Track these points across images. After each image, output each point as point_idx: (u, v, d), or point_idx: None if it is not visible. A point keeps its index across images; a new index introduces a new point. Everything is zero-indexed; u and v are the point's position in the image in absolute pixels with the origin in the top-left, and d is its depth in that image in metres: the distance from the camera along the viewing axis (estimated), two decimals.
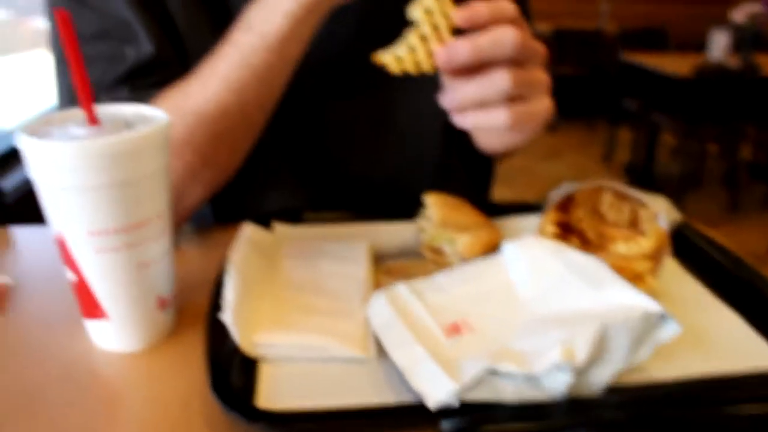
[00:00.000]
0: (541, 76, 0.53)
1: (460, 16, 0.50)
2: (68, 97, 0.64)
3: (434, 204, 0.62)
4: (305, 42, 0.60)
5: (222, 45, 0.60)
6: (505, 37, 0.49)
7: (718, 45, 3.67)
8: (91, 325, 0.48)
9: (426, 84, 0.65)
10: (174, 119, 0.57)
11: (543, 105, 0.54)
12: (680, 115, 3.55)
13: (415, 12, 0.50)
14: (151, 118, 0.47)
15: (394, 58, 0.51)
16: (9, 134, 1.88)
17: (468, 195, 0.66)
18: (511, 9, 0.51)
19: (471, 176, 0.85)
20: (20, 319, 0.52)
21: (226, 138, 0.61)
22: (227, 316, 0.46)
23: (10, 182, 1.53)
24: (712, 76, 3.43)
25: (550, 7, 5.96)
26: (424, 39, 0.50)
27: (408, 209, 0.66)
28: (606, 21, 5.42)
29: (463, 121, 0.53)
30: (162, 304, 0.49)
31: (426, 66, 0.51)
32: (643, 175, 3.95)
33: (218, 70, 0.59)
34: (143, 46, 0.62)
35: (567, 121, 5.26)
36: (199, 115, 0.59)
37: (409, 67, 0.51)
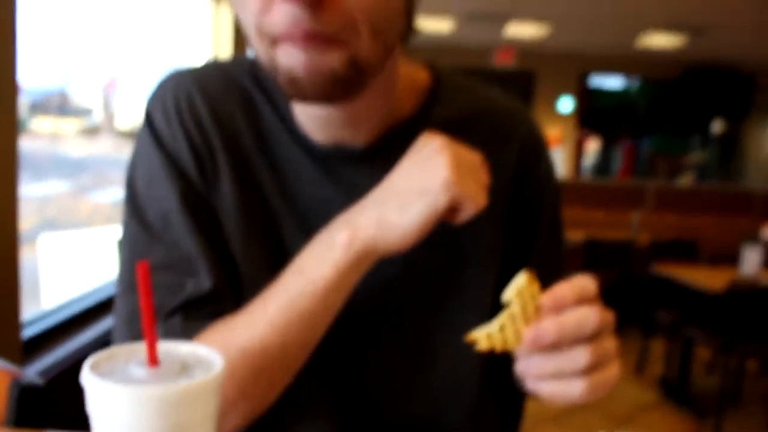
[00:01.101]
0: (612, 345, 0.56)
1: (547, 300, 0.53)
2: (127, 321, 0.67)
3: None
4: (351, 288, 0.64)
5: (273, 286, 0.64)
6: (588, 320, 0.53)
7: (751, 261, 3.68)
8: None
9: (466, 325, 0.68)
10: (219, 353, 0.61)
11: (614, 372, 0.56)
12: (715, 330, 3.46)
13: (509, 294, 0.54)
14: (207, 360, 0.48)
15: (486, 335, 0.54)
16: (50, 313, 1.92)
17: None
18: (592, 288, 0.54)
19: (503, 414, 0.84)
20: None
21: (267, 374, 0.63)
22: None
23: (43, 364, 1.55)
24: (745, 291, 3.39)
25: (583, 217, 6.15)
26: (513, 319, 0.54)
27: None
28: (637, 232, 5.52)
29: (538, 389, 0.55)
30: None
31: (513, 344, 0.54)
32: (677, 390, 3.77)
33: (266, 310, 0.62)
34: (202, 280, 0.67)
35: None
36: (243, 350, 0.62)
37: (498, 345, 0.54)
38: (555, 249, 0.81)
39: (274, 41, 0.57)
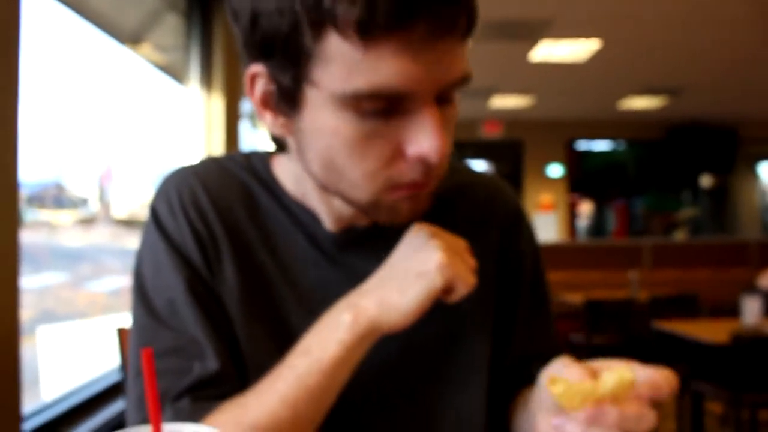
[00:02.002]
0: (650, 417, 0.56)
1: (644, 389, 0.56)
2: (137, 404, 0.70)
3: None
4: (357, 364, 0.67)
5: (281, 366, 0.67)
6: (647, 421, 0.55)
7: (751, 311, 3.68)
8: None
9: (467, 386, 0.74)
10: (231, 431, 0.63)
11: None
12: (723, 383, 3.42)
13: (610, 375, 0.55)
14: None
15: (566, 384, 0.55)
16: (50, 405, 1.90)
17: None
18: (669, 388, 0.56)
19: None
20: None
21: None
22: None
23: None
24: (749, 341, 3.38)
25: (581, 279, 6.16)
26: (593, 390, 0.54)
27: None
28: (636, 289, 5.52)
29: None
30: None
31: (574, 406, 0.54)
32: None
33: (275, 388, 0.65)
34: (209, 363, 0.69)
35: None
36: (254, 428, 0.64)
37: (565, 397, 0.54)
38: (539, 311, 0.85)
39: (392, 188, 0.64)
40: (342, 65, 0.57)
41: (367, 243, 0.76)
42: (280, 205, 0.77)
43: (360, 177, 0.63)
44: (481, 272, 0.68)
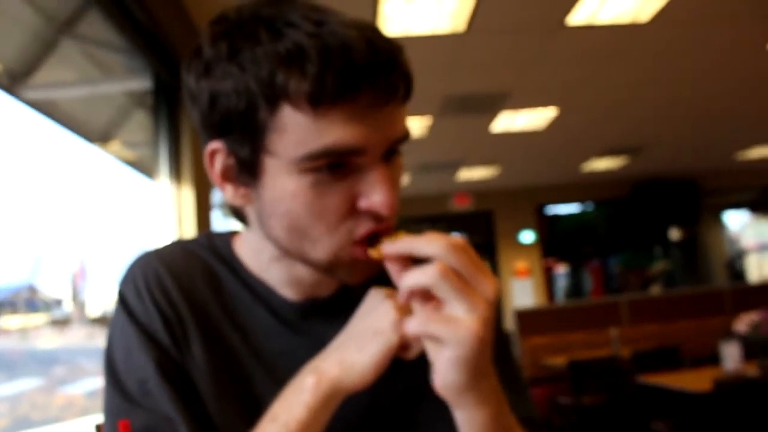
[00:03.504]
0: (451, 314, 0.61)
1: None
2: None
3: None
4: (323, 427, 0.69)
5: None
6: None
7: (731, 356, 3.72)
8: None
9: None
10: None
11: (465, 326, 0.60)
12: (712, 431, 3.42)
13: None
14: None
15: None
16: None
17: None
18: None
19: None
20: None
21: None
22: None
23: None
24: (731, 387, 3.40)
25: (563, 341, 6.16)
26: None
27: None
28: (618, 346, 5.54)
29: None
30: None
31: None
32: None
33: None
34: None
35: None
36: None
37: None
38: (508, 375, 0.84)
39: (351, 243, 0.68)
40: (296, 133, 0.62)
41: (329, 310, 0.78)
42: (241, 281, 0.80)
43: (322, 233, 0.67)
44: None
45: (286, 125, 0.63)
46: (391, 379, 0.71)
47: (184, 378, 0.75)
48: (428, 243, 0.61)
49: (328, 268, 0.71)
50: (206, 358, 0.76)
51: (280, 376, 0.73)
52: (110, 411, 0.74)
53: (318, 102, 0.61)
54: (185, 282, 0.78)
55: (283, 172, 0.65)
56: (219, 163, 0.70)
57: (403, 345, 0.67)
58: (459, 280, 0.60)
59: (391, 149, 0.67)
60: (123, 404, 0.73)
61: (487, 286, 0.62)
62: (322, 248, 0.69)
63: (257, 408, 0.72)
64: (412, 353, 0.68)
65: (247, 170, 0.68)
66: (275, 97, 0.61)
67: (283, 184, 0.66)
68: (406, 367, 0.72)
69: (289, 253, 0.72)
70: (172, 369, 0.74)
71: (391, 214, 0.66)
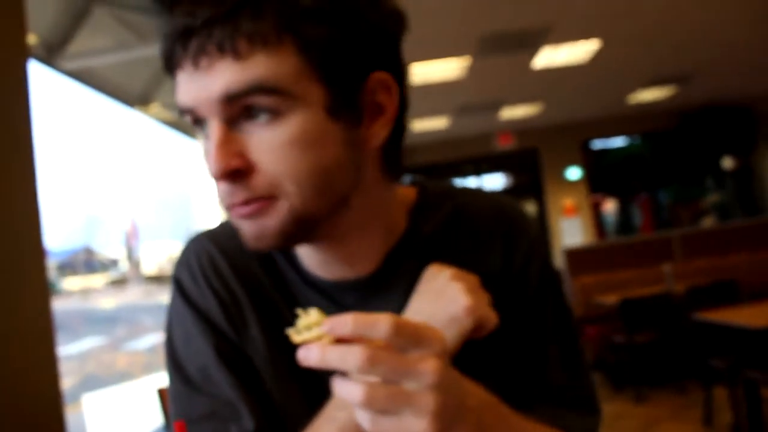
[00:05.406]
0: (419, 398, 0.52)
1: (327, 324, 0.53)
2: None
3: None
4: None
5: (319, 418, 0.67)
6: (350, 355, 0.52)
7: None
8: None
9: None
10: None
11: (417, 426, 0.52)
12: None
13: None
14: None
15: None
16: None
17: None
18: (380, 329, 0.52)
19: None
20: None
21: None
22: None
23: None
24: None
25: (614, 279, 6.07)
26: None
27: None
28: (672, 283, 5.44)
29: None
30: None
31: None
32: None
33: None
34: (245, 423, 0.71)
35: (654, 390, 5.03)
36: None
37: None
38: (550, 340, 0.81)
39: (226, 209, 0.67)
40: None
41: (373, 288, 0.76)
42: (289, 260, 0.78)
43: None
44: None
45: None
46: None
47: (244, 361, 0.75)
48: (342, 359, 0.52)
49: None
50: (264, 339, 0.75)
51: None
52: (173, 396, 0.75)
53: (167, 68, 0.66)
54: (239, 263, 0.78)
55: None
56: None
57: (475, 328, 0.66)
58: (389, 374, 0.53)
59: (249, 108, 0.62)
60: (185, 390, 0.74)
61: (424, 371, 0.53)
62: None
63: (318, 388, 0.71)
64: (482, 334, 0.66)
65: None
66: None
67: None
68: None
69: None
70: (230, 353, 0.75)
71: (218, 176, 0.63)
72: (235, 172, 0.63)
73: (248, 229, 0.66)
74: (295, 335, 0.55)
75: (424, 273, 0.71)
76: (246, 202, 0.64)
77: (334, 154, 0.65)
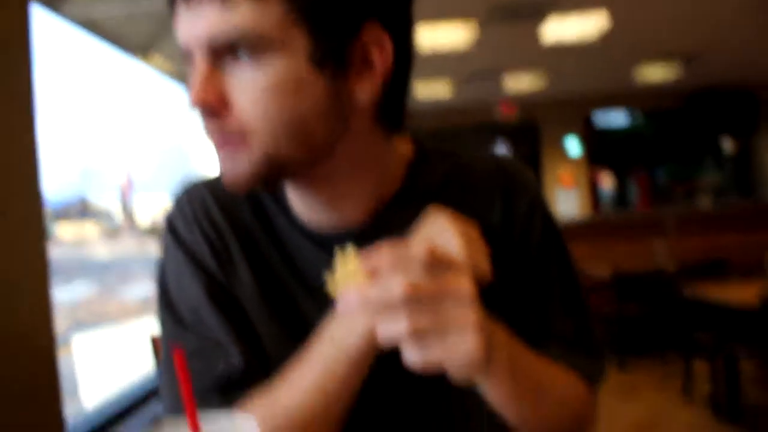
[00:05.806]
0: (462, 315, 0.57)
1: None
2: (174, 404, 0.74)
3: None
4: (380, 349, 0.67)
5: (308, 352, 0.68)
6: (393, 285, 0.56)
7: None
8: None
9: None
10: (264, 421, 0.66)
11: (467, 345, 0.56)
12: (757, 344, 3.40)
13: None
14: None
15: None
16: (91, 417, 1.94)
17: None
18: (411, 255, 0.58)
19: None
20: None
21: (312, 429, 0.68)
22: None
23: None
24: None
25: (607, 252, 6.12)
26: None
27: None
28: (664, 259, 5.48)
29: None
30: None
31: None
32: (729, 408, 3.69)
33: (303, 374, 0.68)
34: (234, 360, 0.73)
35: (637, 358, 5.14)
36: (288, 418, 0.67)
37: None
38: (554, 290, 0.83)
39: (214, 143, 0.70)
40: None
41: (366, 237, 0.76)
42: (281, 207, 0.80)
43: None
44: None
45: None
46: None
47: (233, 303, 0.77)
48: (385, 292, 0.56)
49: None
50: (251, 280, 0.78)
51: (323, 299, 0.72)
52: (165, 334, 0.78)
53: (168, 3, 0.67)
54: (231, 209, 0.80)
55: None
56: None
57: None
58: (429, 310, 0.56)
59: (234, 49, 0.64)
60: (176, 329, 0.77)
61: (460, 290, 0.57)
62: None
63: (304, 329, 0.73)
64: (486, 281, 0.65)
65: None
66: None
67: None
68: None
69: None
70: (220, 295, 0.77)
71: (193, 107, 0.65)
72: (210, 108, 0.65)
73: (224, 168, 0.69)
74: (332, 286, 0.59)
75: (423, 217, 0.70)
76: (220, 135, 0.67)
77: (313, 103, 0.66)
